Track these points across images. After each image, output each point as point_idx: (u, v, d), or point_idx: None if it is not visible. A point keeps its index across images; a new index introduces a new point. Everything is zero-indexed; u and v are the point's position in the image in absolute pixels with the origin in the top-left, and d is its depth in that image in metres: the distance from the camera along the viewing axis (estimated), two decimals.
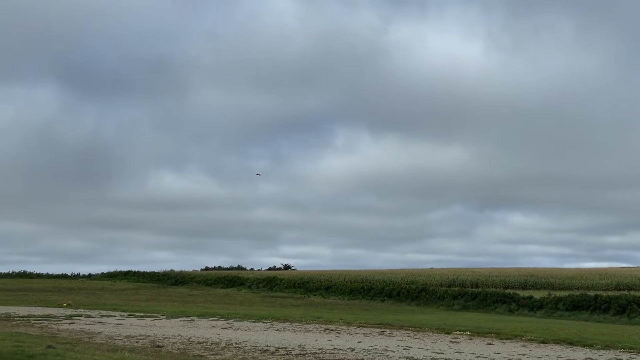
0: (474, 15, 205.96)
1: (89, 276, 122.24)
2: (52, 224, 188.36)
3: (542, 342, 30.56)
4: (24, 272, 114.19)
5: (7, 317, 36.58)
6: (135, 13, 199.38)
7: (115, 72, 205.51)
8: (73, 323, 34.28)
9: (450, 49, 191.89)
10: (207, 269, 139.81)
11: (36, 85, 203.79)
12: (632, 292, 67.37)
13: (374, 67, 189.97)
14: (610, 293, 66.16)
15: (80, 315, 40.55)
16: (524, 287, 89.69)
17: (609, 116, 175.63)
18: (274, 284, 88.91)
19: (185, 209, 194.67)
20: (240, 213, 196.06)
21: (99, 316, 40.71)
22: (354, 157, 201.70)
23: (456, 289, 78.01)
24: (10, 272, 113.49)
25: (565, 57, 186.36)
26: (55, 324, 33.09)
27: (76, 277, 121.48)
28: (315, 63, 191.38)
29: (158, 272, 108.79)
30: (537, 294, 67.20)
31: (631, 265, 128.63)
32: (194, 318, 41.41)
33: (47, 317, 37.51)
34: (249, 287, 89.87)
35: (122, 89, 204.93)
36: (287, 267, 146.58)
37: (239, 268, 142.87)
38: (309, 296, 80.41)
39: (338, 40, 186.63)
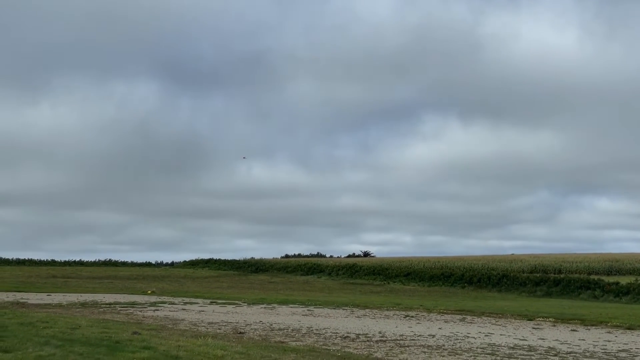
0: (567, 3, 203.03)
1: (172, 264, 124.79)
2: (142, 214, 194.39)
3: (629, 329, 29.84)
4: (110, 261, 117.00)
5: (95, 304, 37.60)
6: (234, 9, 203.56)
7: (213, 67, 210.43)
8: (157, 310, 35.02)
9: (543, 39, 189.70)
10: (287, 256, 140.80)
11: (136, 81, 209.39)
12: None
13: (466, 58, 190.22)
14: None
15: (164, 303, 41.41)
16: (609, 272, 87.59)
17: None
18: (353, 271, 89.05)
19: (270, 197, 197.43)
20: (325, 201, 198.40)
21: (182, 303, 41.49)
22: (442, 144, 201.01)
23: (538, 275, 76.82)
24: (97, 260, 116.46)
25: None
26: (141, 311, 33.85)
27: (160, 265, 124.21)
28: (408, 55, 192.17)
29: (239, 260, 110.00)
30: (624, 280, 65.66)
31: None
32: (275, 305, 41.81)
33: (133, 304, 38.41)
34: (329, 274, 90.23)
35: (218, 83, 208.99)
36: (366, 254, 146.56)
37: (319, 255, 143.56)
38: (388, 283, 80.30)
39: (431, 33, 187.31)
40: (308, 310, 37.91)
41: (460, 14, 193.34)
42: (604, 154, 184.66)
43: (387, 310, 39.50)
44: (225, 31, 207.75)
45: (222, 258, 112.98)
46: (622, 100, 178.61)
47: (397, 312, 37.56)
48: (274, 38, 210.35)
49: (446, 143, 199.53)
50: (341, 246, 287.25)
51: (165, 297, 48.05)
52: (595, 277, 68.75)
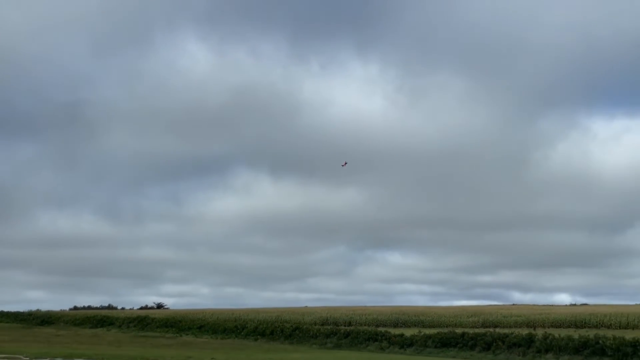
0: (372, 74, 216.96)
1: None
2: None
3: None
4: None
5: None
6: (53, 58, 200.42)
7: (26, 114, 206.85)
8: None
9: (353, 105, 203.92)
10: (75, 308, 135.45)
11: None
12: (497, 330, 69.53)
13: (284, 120, 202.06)
14: (477, 330, 68.09)
15: None
16: (395, 324, 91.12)
17: (491, 167, 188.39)
18: (145, 324, 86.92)
19: (70, 247, 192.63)
20: (126, 252, 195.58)
21: None
22: (251, 198, 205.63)
23: (329, 327, 78.43)
24: None
25: (456, 113, 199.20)
26: None
27: None
28: (226, 112, 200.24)
29: (23, 312, 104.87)
30: (408, 332, 68.36)
31: (499, 303, 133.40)
32: (59, 359, 40.01)
33: None
34: (119, 326, 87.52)
35: (29, 130, 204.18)
36: (159, 306, 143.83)
37: (110, 307, 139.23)
38: (181, 335, 79.00)
39: (251, 94, 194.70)
40: None
41: (278, 79, 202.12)
42: (400, 211, 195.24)
43: None
44: (42, 79, 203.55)
45: (6, 310, 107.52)
46: (419, 163, 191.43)
47: None
48: (92, 89, 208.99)
49: (255, 197, 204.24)
50: (138, 297, 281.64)
51: None
52: (383, 329, 71.12)
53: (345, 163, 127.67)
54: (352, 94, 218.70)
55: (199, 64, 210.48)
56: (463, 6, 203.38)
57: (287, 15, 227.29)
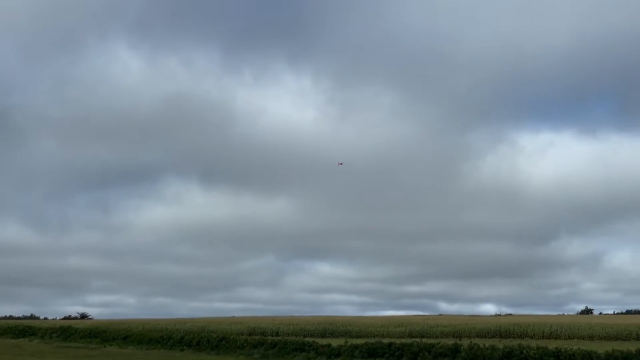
0: (305, 86, 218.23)
1: None
2: None
3: None
4: None
5: None
6: None
7: None
8: None
9: (286, 116, 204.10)
10: None
11: None
12: (424, 340, 70.05)
13: (217, 129, 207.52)
14: (404, 340, 68.47)
15: None
16: (323, 335, 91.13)
17: (420, 179, 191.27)
18: (68, 334, 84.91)
19: None
20: (51, 261, 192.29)
21: None
22: (181, 207, 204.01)
23: (256, 337, 77.89)
24: None
25: (386, 125, 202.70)
26: None
27: None
28: (159, 121, 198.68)
29: None
30: (335, 342, 68.33)
31: (426, 313, 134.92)
32: None
33: None
34: (42, 337, 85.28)
35: None
36: (83, 316, 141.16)
37: (32, 317, 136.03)
38: (105, 346, 77.36)
39: (184, 104, 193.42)
40: None
41: (210, 89, 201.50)
42: (330, 221, 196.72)
43: None
44: None
45: None
46: (349, 174, 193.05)
47: None
48: (21, 95, 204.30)
49: (185, 206, 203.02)
50: (62, 308, 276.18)
51: None
52: (310, 340, 70.90)
53: (341, 163, 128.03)
54: (285, 105, 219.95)
55: (131, 72, 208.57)
56: (395, 20, 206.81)
57: (220, 26, 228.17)
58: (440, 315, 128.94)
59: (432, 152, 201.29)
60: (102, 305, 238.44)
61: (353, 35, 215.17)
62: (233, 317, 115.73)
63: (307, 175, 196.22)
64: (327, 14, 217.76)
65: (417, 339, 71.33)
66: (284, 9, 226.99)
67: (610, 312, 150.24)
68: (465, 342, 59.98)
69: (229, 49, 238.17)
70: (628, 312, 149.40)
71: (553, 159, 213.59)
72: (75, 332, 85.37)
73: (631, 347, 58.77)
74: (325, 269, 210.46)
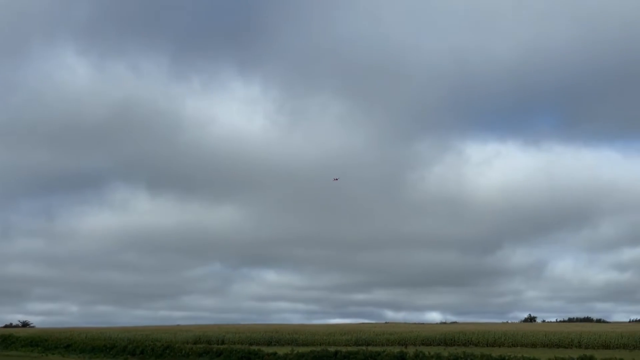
0: (254, 94, 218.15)
1: None
2: None
3: None
4: None
5: None
6: None
7: None
8: None
9: (234, 124, 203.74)
10: None
11: None
12: (370, 348, 70.16)
13: (165, 136, 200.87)
14: (350, 348, 68.42)
15: None
16: (269, 343, 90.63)
17: (367, 188, 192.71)
18: (9, 342, 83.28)
19: None
20: None
21: None
22: (127, 215, 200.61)
23: (202, 345, 77.18)
24: None
25: (335, 134, 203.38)
26: None
27: None
28: (105, 128, 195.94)
29: None
30: (282, 350, 68.06)
31: (372, 321, 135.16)
32: None
33: None
34: None
35: None
36: (25, 325, 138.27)
37: None
38: (47, 355, 76.01)
39: (131, 111, 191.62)
40: None
41: (159, 95, 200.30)
42: (277, 229, 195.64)
43: None
44: None
45: None
46: (297, 183, 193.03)
47: None
48: None
49: (131, 213, 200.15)
50: (2, 316, 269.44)
51: None
52: (256, 348, 70.51)
53: (337, 179, 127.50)
54: (234, 113, 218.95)
55: (78, 77, 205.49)
56: (344, 30, 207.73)
57: (169, 33, 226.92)
58: (386, 323, 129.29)
59: (379, 161, 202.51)
60: (44, 313, 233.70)
61: (302, 44, 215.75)
62: (178, 325, 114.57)
63: (254, 183, 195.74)
64: (276, 22, 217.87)
65: (364, 347, 71.43)
66: (233, 17, 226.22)
67: (553, 320, 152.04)
68: (411, 350, 60.29)
69: (177, 55, 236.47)
70: (570, 320, 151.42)
71: (498, 169, 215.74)
72: (16, 340, 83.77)
73: (573, 354, 59.74)
74: (272, 277, 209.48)
